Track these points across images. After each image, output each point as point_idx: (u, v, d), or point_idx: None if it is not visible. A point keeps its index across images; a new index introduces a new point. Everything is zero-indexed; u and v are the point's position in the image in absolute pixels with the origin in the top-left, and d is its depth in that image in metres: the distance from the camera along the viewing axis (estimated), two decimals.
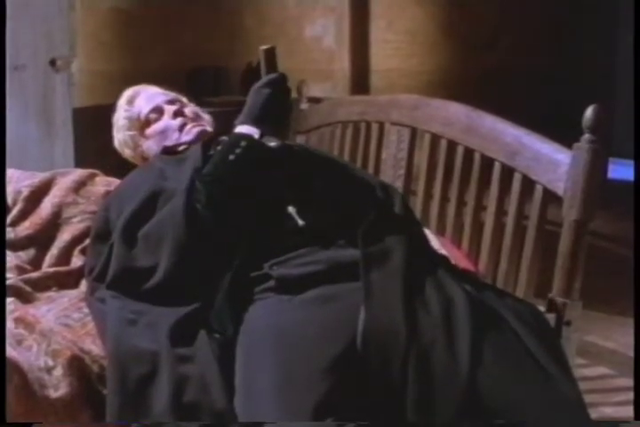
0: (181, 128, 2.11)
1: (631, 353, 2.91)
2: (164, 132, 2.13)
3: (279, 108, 1.83)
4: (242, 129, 1.82)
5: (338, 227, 1.78)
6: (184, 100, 2.25)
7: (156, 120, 2.16)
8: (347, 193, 1.90)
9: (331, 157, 2.16)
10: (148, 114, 2.17)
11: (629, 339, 2.99)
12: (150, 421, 1.58)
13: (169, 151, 2.11)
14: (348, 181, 1.97)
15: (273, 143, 1.86)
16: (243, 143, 1.78)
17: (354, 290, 1.60)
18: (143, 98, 2.21)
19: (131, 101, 2.22)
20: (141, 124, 2.18)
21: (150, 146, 2.16)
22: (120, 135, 2.22)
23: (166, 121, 2.15)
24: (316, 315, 1.57)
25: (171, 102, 2.19)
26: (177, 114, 2.15)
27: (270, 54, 1.89)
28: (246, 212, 1.78)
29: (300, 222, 1.79)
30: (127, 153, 2.23)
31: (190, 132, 2.11)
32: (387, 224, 1.79)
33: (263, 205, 1.81)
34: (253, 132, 1.80)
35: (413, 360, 1.49)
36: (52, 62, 4.00)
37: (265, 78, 1.85)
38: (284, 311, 1.60)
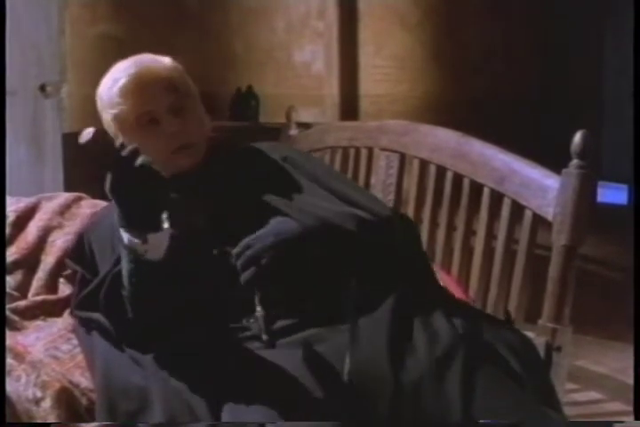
0: (174, 153, 1.73)
1: (622, 377, 2.92)
2: (149, 149, 1.62)
3: (137, 202, 1.49)
4: (125, 238, 1.57)
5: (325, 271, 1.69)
6: (192, 92, 1.80)
7: (149, 126, 1.75)
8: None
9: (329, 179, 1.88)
10: (140, 118, 1.74)
11: (620, 363, 3.00)
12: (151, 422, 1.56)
13: None
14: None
15: (155, 254, 1.56)
16: (131, 266, 1.60)
17: (339, 332, 1.58)
18: (138, 94, 1.73)
19: (125, 94, 1.73)
20: (129, 126, 1.76)
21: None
22: (104, 115, 1.80)
23: (158, 136, 1.74)
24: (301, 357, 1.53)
25: (172, 110, 1.74)
26: (174, 134, 1.73)
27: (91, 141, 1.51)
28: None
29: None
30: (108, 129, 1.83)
31: (177, 163, 1.75)
32: (384, 263, 1.74)
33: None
34: (133, 243, 1.56)
35: (401, 403, 1.47)
36: (42, 88, 4.01)
37: (108, 177, 1.47)
38: (269, 354, 1.56)
